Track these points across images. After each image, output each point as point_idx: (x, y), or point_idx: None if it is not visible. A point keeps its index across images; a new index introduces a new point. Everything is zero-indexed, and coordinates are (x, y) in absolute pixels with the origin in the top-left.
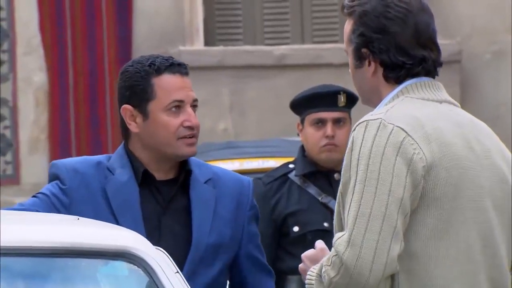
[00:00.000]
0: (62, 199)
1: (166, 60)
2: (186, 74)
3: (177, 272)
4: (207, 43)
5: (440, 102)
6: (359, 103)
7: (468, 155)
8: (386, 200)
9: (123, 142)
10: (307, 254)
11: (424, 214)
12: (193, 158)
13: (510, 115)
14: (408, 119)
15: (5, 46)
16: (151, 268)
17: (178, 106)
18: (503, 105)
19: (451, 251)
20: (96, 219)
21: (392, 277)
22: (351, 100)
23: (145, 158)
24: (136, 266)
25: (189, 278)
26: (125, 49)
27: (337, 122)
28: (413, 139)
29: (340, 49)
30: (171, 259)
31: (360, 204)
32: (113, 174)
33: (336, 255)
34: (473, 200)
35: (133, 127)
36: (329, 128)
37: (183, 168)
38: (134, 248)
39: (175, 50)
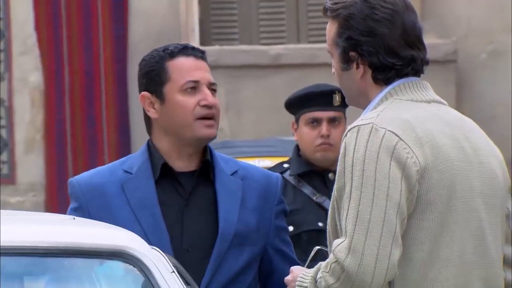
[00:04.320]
0: None
1: (181, 45)
2: (202, 58)
3: (173, 271)
4: (202, 42)
5: (429, 102)
6: None
7: (458, 155)
8: (384, 205)
9: (147, 140)
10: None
11: (420, 218)
12: (219, 154)
13: (506, 115)
14: (399, 123)
15: (0, 45)
16: (147, 268)
17: (193, 87)
18: (500, 105)
19: (444, 253)
20: (116, 222)
21: (389, 281)
22: None
23: (166, 147)
24: (132, 266)
25: (216, 268)
26: (121, 48)
27: (332, 121)
28: (405, 143)
29: None
30: (167, 258)
31: (358, 210)
32: (131, 173)
33: (336, 261)
34: (465, 201)
35: (152, 113)
36: (324, 128)
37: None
38: (130, 247)
39: None
